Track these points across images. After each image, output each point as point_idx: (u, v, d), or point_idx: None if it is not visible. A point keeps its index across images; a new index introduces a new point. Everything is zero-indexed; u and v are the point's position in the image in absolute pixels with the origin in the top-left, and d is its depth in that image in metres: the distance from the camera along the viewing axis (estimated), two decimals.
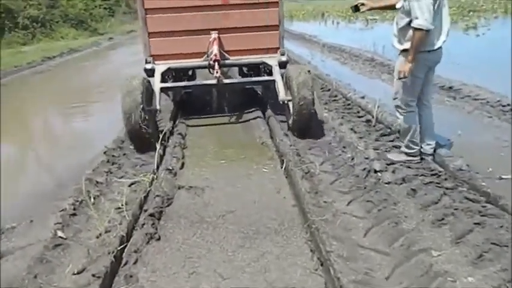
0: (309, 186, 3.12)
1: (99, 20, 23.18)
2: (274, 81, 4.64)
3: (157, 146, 3.90)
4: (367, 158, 3.57)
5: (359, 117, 4.93)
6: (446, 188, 3.03)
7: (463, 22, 15.34)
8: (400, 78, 3.21)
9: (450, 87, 5.82)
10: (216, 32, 4.61)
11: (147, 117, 3.96)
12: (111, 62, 12.62)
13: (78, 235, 2.66)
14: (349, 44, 11.08)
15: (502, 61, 7.55)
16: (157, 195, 3.05)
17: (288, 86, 4.43)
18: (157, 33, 4.62)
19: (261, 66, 5.40)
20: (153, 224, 2.71)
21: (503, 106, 4.83)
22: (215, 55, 4.44)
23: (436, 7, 2.97)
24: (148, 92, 4.16)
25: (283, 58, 4.80)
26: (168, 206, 3.02)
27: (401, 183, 3.15)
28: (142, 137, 4.00)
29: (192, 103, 5.82)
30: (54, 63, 11.69)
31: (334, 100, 5.75)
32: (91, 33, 20.53)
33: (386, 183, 3.15)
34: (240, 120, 5.18)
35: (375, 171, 3.34)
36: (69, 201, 3.01)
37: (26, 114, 6.62)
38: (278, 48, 4.83)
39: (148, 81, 4.33)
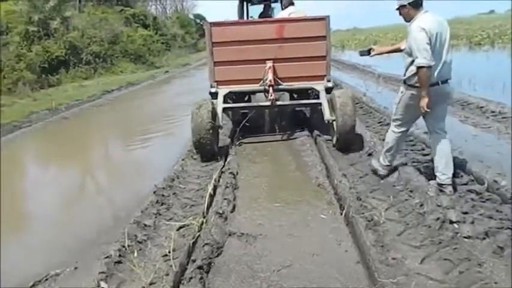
0: (374, 239, 2.76)
1: (156, 54, 24.26)
2: (320, 103, 5.29)
3: (220, 159, 4.75)
4: (439, 206, 3.15)
5: (424, 155, 4.49)
6: None
7: None
8: (423, 112, 3.38)
9: None
10: (271, 61, 5.32)
11: (211, 131, 4.70)
12: (164, 92, 13.01)
13: (122, 287, 2.47)
14: None
15: None
16: (206, 243, 2.82)
17: (332, 108, 5.03)
18: (222, 62, 5.40)
19: (309, 91, 5.96)
20: (201, 278, 2.47)
21: None
22: (270, 81, 5.18)
23: (432, 44, 3.20)
24: (213, 111, 4.84)
25: (329, 84, 5.43)
26: (217, 256, 2.77)
27: (484, 238, 2.72)
28: (207, 147, 4.76)
29: (248, 123, 6.29)
30: (112, 97, 12.16)
31: None
32: (148, 66, 21.46)
33: (465, 238, 2.73)
34: (290, 138, 5.75)
35: (451, 222, 2.93)
36: (115, 246, 2.85)
37: (78, 148, 6.78)
38: (325, 75, 5.45)
39: (212, 103, 5.02)
